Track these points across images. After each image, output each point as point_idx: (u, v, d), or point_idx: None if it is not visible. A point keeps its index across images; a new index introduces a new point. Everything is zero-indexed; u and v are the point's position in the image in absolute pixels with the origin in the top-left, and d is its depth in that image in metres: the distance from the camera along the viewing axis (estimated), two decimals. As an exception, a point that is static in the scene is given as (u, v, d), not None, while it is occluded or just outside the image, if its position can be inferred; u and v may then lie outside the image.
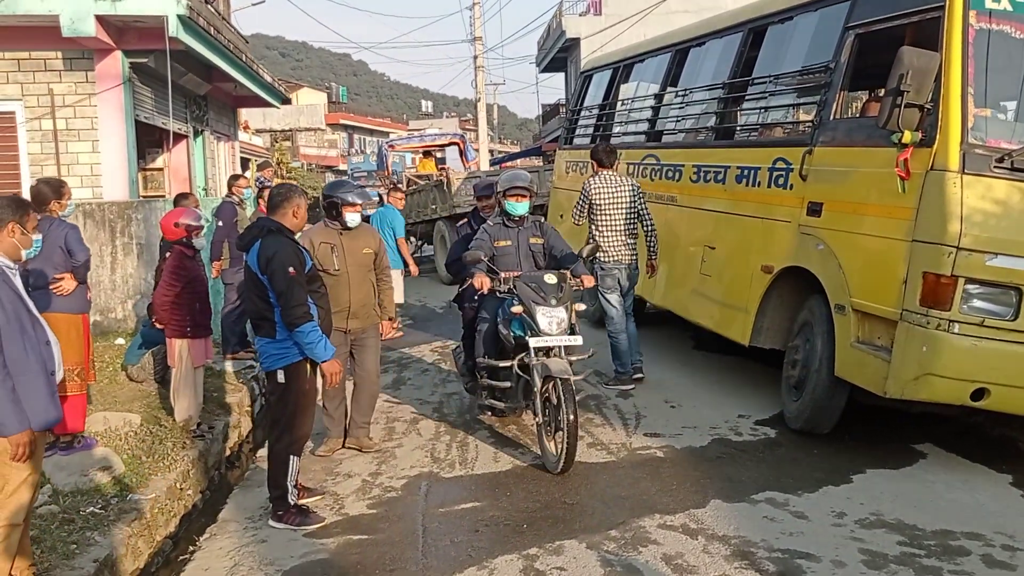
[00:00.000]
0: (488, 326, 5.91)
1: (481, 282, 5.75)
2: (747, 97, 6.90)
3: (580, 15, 32.79)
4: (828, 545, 4.19)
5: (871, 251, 5.04)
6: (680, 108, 8.10)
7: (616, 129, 9.54)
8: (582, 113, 10.74)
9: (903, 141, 4.69)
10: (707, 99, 7.50)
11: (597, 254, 6.92)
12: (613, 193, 6.96)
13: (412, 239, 16.38)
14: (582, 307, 5.85)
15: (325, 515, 4.83)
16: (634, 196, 7.00)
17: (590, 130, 10.37)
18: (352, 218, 5.62)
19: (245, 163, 23.80)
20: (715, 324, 6.81)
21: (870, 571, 3.93)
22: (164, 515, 4.97)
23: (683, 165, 7.45)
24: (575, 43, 31.57)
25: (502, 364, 5.64)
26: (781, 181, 5.96)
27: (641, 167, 8.29)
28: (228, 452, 6.42)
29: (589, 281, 5.93)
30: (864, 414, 5.75)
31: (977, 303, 4.55)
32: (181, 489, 5.31)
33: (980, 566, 3.96)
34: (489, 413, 6.10)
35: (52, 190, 5.54)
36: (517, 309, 5.52)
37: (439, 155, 20.82)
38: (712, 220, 6.94)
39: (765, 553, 4.13)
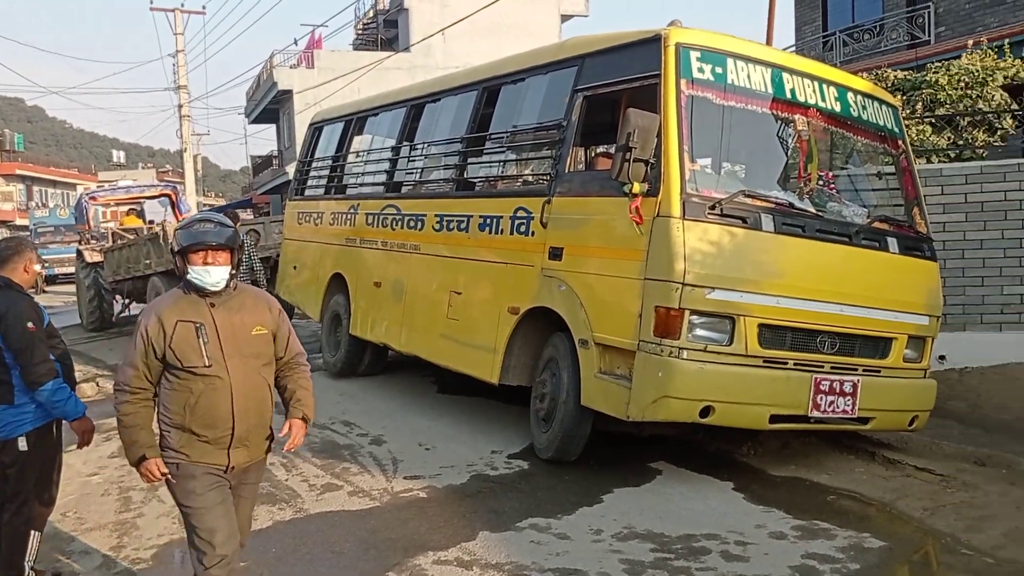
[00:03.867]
0: None
1: None
2: (486, 151, 7.30)
3: (292, 67, 32.63)
4: (592, 560, 4.51)
5: (609, 289, 5.56)
6: (420, 160, 8.37)
7: (351, 180, 9.61)
8: (313, 165, 10.68)
9: (633, 191, 5.27)
10: (447, 152, 7.83)
11: None
12: None
13: (119, 297, 15.23)
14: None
15: (68, 596, 4.33)
16: None
17: (323, 181, 10.33)
18: (205, 274, 3.43)
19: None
20: (464, 366, 7.04)
21: (633, 578, 4.31)
22: None
23: (425, 215, 7.69)
24: (288, 95, 31.35)
25: None
26: (523, 228, 6.38)
27: (381, 217, 8.42)
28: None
29: None
30: (602, 440, 6.24)
31: (700, 331, 5.19)
32: None
33: (721, 561, 4.48)
34: None
35: None
36: None
37: (138, 208, 19.49)
38: (457, 266, 7.21)
39: (538, 574, 4.36)
